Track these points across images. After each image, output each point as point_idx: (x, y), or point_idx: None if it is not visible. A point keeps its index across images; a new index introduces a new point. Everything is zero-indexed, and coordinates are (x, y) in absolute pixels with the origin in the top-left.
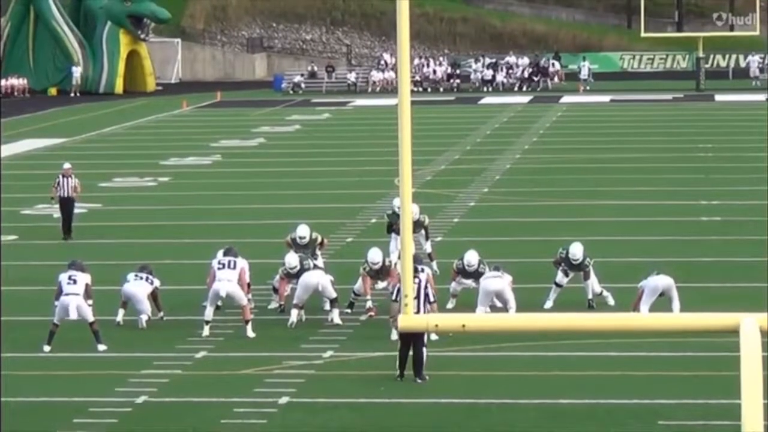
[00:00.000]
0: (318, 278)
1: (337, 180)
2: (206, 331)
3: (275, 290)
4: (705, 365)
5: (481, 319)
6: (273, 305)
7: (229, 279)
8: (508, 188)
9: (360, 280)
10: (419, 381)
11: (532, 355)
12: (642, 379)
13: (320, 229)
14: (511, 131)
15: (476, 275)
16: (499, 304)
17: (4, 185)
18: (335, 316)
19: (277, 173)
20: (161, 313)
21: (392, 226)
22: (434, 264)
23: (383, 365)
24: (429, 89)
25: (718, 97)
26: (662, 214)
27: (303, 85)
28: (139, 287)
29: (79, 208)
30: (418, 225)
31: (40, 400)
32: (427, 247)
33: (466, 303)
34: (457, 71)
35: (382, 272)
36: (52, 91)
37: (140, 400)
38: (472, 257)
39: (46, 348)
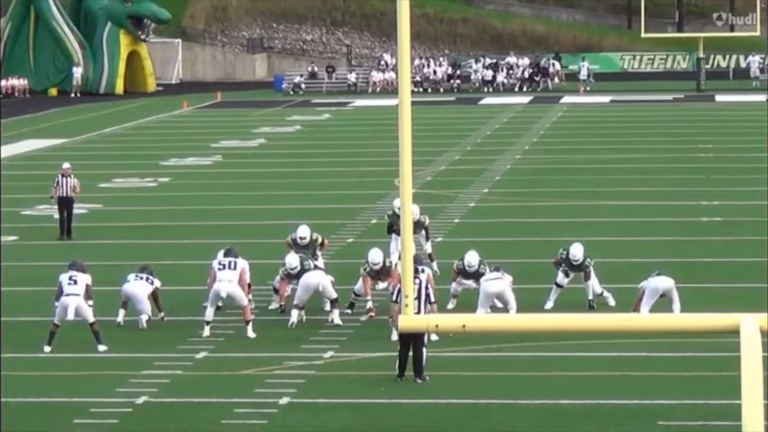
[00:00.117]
0: (318, 279)
1: (338, 180)
2: (207, 331)
3: (276, 291)
4: (705, 365)
5: (481, 319)
6: (273, 306)
7: (229, 279)
8: (509, 189)
9: (360, 281)
10: (419, 381)
11: (532, 355)
12: (642, 380)
13: (321, 229)
14: (511, 132)
15: (477, 276)
16: (499, 305)
17: (4, 186)
18: (336, 317)
19: (277, 174)
20: (162, 314)
21: (393, 226)
22: (435, 264)
23: (383, 366)
24: (429, 90)
25: (719, 98)
26: (663, 214)
27: (303, 86)
28: (139, 287)
29: (79, 209)
30: (418, 225)
31: (41, 400)
32: (428, 247)
33: (467, 303)
34: (458, 72)
35: (383, 273)
36: (53, 91)
37: (141, 400)
38: (472, 258)
39: (47, 348)
